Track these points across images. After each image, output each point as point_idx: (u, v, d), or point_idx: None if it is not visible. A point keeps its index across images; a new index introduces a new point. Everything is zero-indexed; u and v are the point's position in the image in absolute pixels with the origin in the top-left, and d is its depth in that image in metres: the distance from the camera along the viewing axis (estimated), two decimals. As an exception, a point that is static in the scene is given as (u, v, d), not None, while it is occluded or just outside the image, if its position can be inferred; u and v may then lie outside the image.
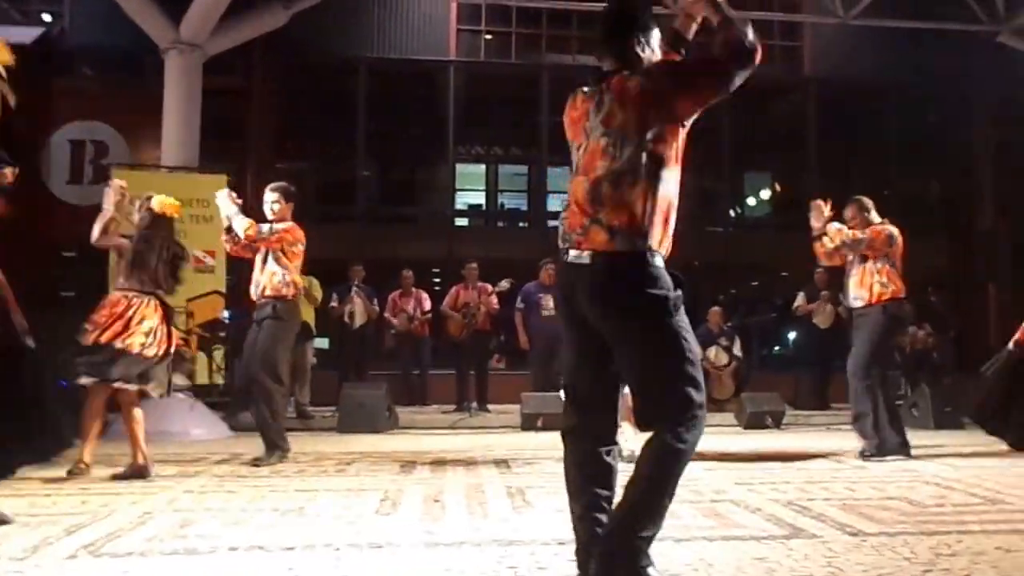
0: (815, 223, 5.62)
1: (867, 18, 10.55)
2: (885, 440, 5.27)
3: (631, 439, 5.71)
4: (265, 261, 5.55)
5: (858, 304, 5.50)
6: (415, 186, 18.74)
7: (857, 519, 3.32)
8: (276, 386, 5.47)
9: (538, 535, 3.07)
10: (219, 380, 7.85)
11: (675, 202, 2.42)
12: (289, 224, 5.60)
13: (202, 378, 7.64)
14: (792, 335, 13.32)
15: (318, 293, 8.49)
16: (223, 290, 8.24)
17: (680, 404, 2.27)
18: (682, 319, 2.32)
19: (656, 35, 2.53)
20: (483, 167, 19.37)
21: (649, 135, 2.32)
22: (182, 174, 8.51)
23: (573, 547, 2.87)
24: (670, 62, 2.52)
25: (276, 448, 5.37)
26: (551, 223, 16.61)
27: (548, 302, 9.00)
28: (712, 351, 9.82)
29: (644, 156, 2.32)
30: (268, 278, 5.50)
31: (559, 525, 3.26)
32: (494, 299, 9.22)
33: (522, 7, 12.54)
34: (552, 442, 6.48)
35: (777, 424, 7.79)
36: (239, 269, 8.81)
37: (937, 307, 11.20)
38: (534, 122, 14.68)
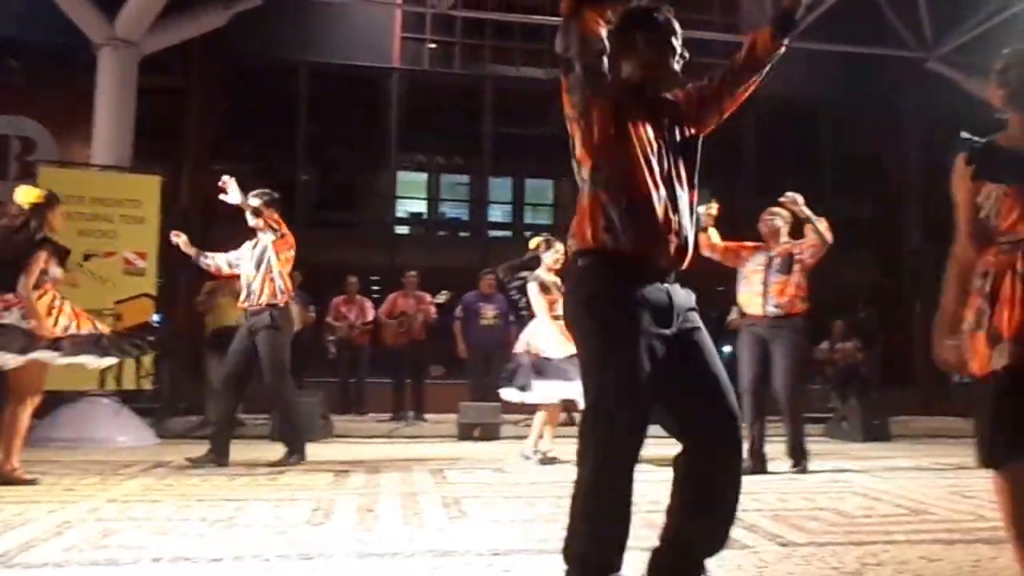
0: (708, 219, 5.70)
1: (803, 41, 10.82)
2: (764, 455, 5.35)
3: (547, 441, 5.77)
4: (258, 268, 5.61)
5: (776, 313, 5.45)
6: (356, 192, 18.57)
7: (787, 529, 3.37)
8: (294, 391, 5.80)
9: (473, 546, 3.04)
10: (147, 386, 7.61)
11: (618, 199, 2.23)
12: (285, 230, 5.72)
13: (129, 383, 7.40)
14: (726, 348, 13.53)
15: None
16: (153, 293, 8.00)
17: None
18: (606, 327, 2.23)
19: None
20: (424, 176, 19.30)
21: (571, 136, 2.33)
22: (113, 173, 8.24)
23: (508, 558, 2.85)
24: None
25: (297, 452, 5.61)
26: (492, 233, 16.66)
27: (487, 311, 9.01)
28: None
29: (574, 157, 2.36)
30: (265, 285, 5.58)
31: (494, 535, 3.24)
32: (432, 308, 9.17)
33: (466, 17, 12.54)
34: (489, 452, 6.48)
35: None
36: (171, 272, 8.60)
37: (865, 323, 11.53)
38: (477, 132, 14.69)
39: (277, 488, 4.51)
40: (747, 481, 4.88)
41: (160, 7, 8.83)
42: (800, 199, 5.59)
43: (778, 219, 5.77)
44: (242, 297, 5.75)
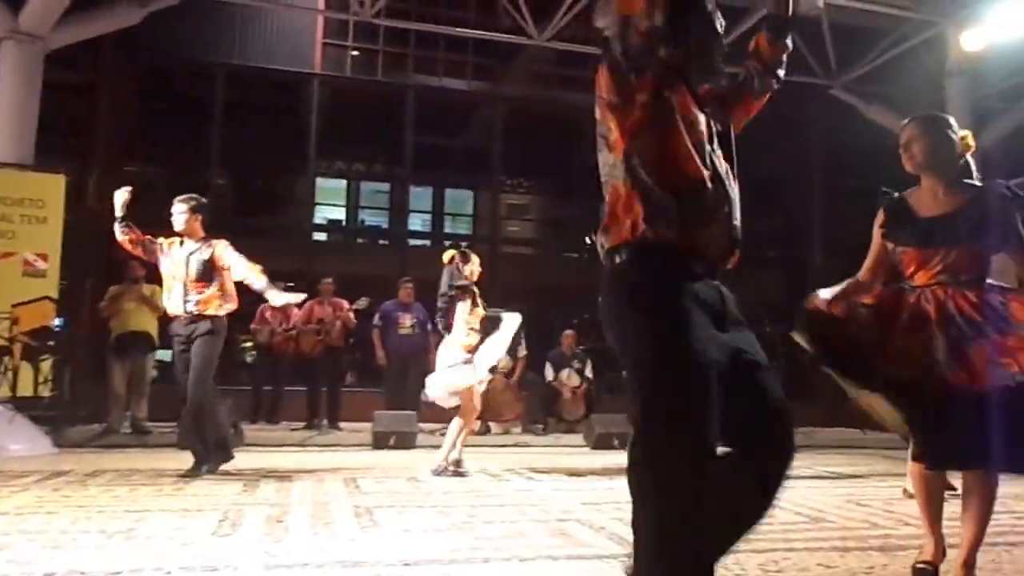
0: None
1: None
2: None
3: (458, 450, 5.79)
4: (202, 278, 5.41)
5: None
6: (272, 198, 18.25)
7: (694, 537, 3.46)
8: (216, 400, 5.56)
9: (384, 556, 3.02)
10: (45, 392, 7.30)
11: (650, 195, 2.02)
12: (216, 243, 5.54)
13: (26, 390, 7.08)
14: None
15: (161, 302, 8.05)
16: (55, 296, 7.69)
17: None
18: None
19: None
20: (344, 183, 19.12)
21: (599, 122, 2.16)
22: (13, 171, 7.90)
23: (419, 568, 2.85)
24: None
25: (214, 461, 5.43)
26: (412, 242, 16.59)
27: (405, 320, 8.97)
28: (565, 373, 10.04)
29: (601, 144, 2.19)
30: (210, 297, 5.40)
31: (406, 545, 3.22)
32: (351, 315, 9.07)
33: (390, 26, 12.50)
34: (403, 461, 6.45)
35: (624, 445, 8.04)
36: (76, 275, 8.29)
37: (772, 337, 11.90)
38: (398, 141, 14.62)
39: (182, 498, 4.38)
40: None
41: (68, 1, 8.53)
42: None
43: None
44: (175, 307, 5.42)
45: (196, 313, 5.36)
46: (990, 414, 2.40)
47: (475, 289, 5.86)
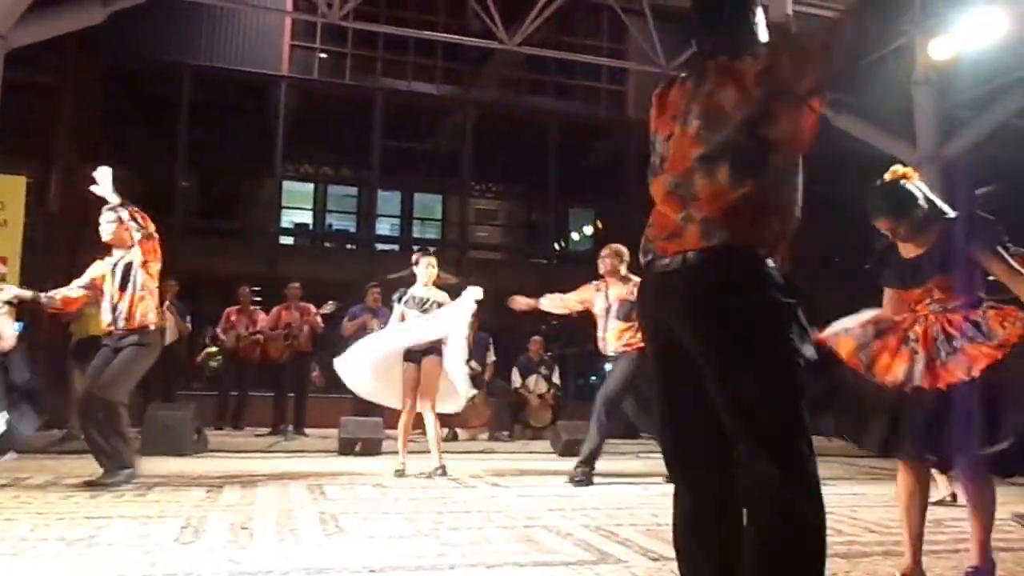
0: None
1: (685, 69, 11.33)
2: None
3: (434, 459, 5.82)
4: (125, 287, 5.01)
5: (612, 354, 5.82)
6: (238, 200, 18.10)
7: (659, 544, 3.48)
8: (124, 407, 5.04)
9: (349, 562, 3.00)
10: (4, 398, 7.14)
11: (794, 198, 2.00)
12: (151, 228, 5.05)
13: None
14: (608, 366, 13.81)
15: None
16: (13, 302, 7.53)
17: (793, 459, 1.82)
18: (797, 339, 1.89)
19: (761, 13, 2.16)
20: (311, 186, 19.01)
21: (756, 115, 1.93)
22: (-27, 172, 7.77)
23: (384, 575, 2.84)
24: (784, 35, 2.15)
25: (124, 467, 4.94)
26: (379, 246, 16.54)
27: (373, 325, 8.91)
28: (532, 379, 10.06)
29: (749, 139, 1.92)
30: (136, 307, 5.00)
31: (372, 552, 3.21)
32: (319, 319, 9.02)
33: (359, 29, 12.46)
34: (369, 467, 6.41)
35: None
36: (35, 278, 8.14)
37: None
38: (366, 144, 14.58)
39: (143, 505, 4.32)
40: (622, 496, 5.05)
41: (30, 0, 8.39)
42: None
43: (615, 258, 5.95)
44: (106, 319, 5.12)
45: (125, 329, 5.01)
46: (944, 409, 2.61)
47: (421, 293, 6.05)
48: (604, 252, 6.01)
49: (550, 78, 15.53)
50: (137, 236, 5.02)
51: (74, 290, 5.27)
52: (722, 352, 1.87)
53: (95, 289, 5.22)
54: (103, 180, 5.00)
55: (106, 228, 5.09)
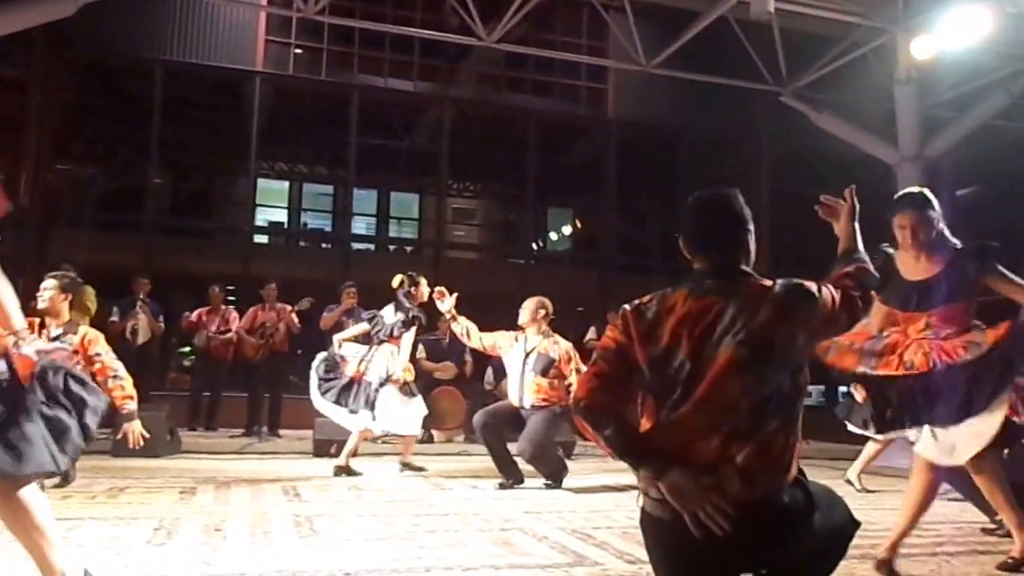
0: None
1: (666, 68, 11.29)
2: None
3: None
4: None
5: (527, 408, 5.66)
6: (212, 199, 17.91)
7: (635, 547, 3.47)
8: None
9: (324, 565, 2.97)
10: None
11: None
12: (85, 330, 4.62)
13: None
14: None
15: (92, 304, 7.79)
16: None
17: None
18: None
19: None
20: (286, 184, 18.86)
21: (798, 360, 1.98)
22: (-61, 167, 7.60)
23: (360, 576, 2.81)
24: (807, 287, 2.05)
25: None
26: (356, 245, 16.44)
27: (348, 325, 8.84)
28: (507, 381, 9.99)
29: (792, 384, 1.96)
30: None
31: (347, 554, 3.18)
32: (295, 317, 8.92)
33: (335, 24, 12.35)
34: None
35: (568, 454, 8.06)
36: (5, 274, 8.01)
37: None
38: (342, 142, 14.45)
39: (115, 507, 4.26)
40: (599, 499, 5.04)
41: (-4, -8, 8.24)
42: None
43: (538, 311, 5.83)
44: None
45: None
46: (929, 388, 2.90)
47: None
48: (527, 303, 5.87)
49: (529, 75, 15.47)
50: None
51: None
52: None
53: None
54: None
55: (43, 295, 4.63)
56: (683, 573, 1.95)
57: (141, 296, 8.74)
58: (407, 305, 6.14)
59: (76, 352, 4.57)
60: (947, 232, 3.06)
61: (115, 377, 4.48)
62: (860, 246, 2.29)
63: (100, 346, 4.59)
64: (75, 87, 13.55)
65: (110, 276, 9.06)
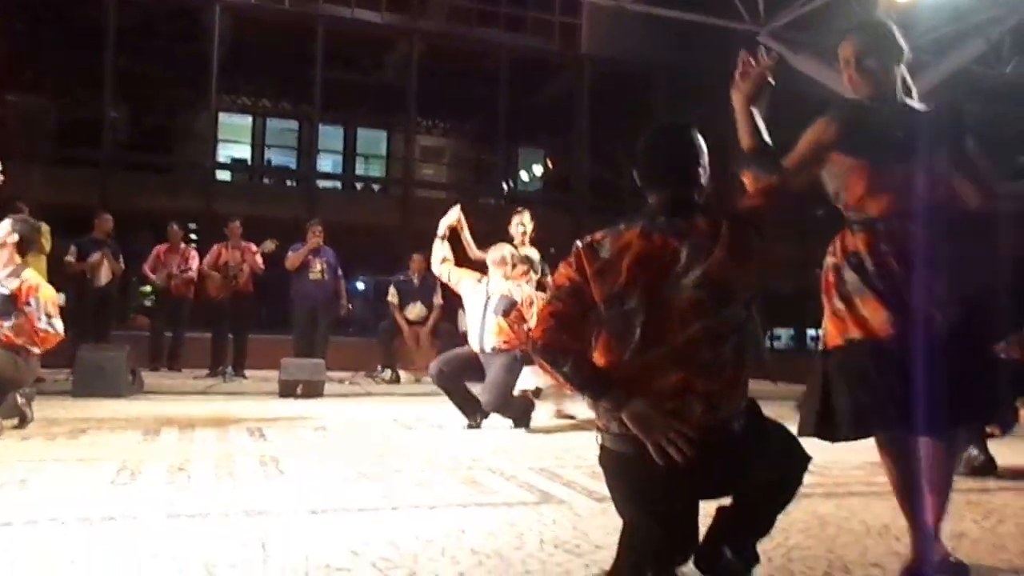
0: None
1: (642, 4, 11.09)
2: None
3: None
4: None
5: (488, 351, 5.53)
6: (171, 134, 17.49)
7: (602, 486, 3.47)
8: None
9: (289, 504, 2.95)
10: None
11: None
12: (28, 275, 4.68)
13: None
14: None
15: (47, 242, 7.58)
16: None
17: None
18: None
19: None
20: (249, 119, 18.45)
21: (753, 290, 2.02)
22: None
23: (326, 516, 2.80)
24: (755, 220, 2.07)
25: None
26: (321, 183, 16.20)
27: (315, 265, 8.74)
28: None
29: (746, 310, 1.99)
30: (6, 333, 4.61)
31: (312, 494, 3.16)
32: (259, 259, 8.77)
33: (299, -48, 11.95)
34: (311, 409, 6.34)
35: (536, 395, 8.10)
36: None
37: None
38: (307, 76, 14.09)
39: (77, 448, 4.20)
40: (569, 439, 5.07)
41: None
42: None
43: (508, 257, 5.74)
44: None
45: None
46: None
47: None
48: (495, 248, 5.75)
49: (500, 9, 15.15)
50: None
51: None
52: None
53: None
54: None
55: None
56: (645, 506, 1.97)
57: (102, 235, 8.50)
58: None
59: (15, 297, 4.62)
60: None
61: (36, 332, 4.68)
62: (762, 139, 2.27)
63: (37, 295, 4.67)
64: (23, 14, 12.98)
65: (65, 214, 8.84)
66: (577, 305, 2.03)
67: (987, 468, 4.06)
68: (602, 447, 2.04)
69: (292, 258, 8.64)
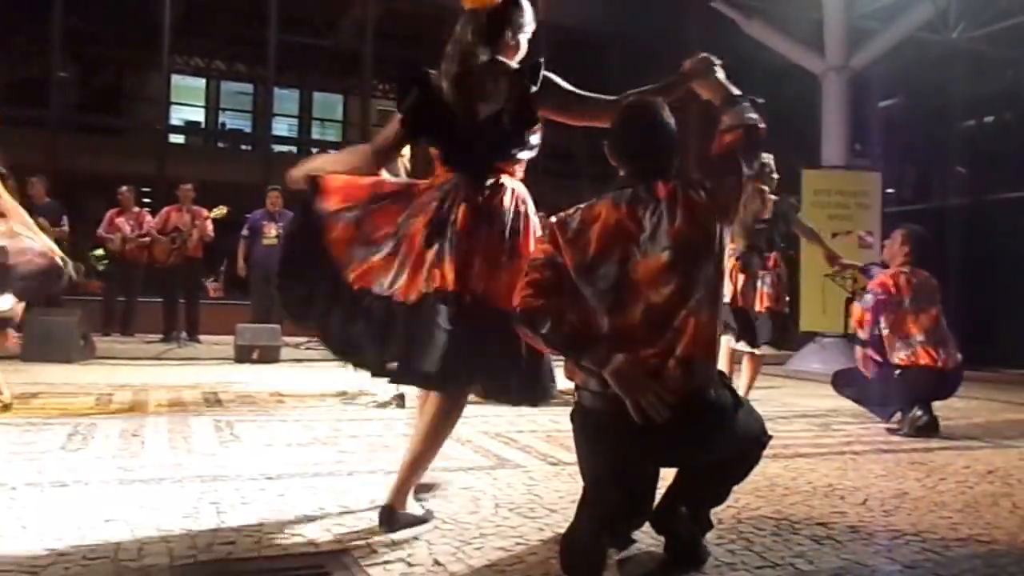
0: None
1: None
2: None
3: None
4: None
5: None
6: (122, 94, 17.03)
7: (558, 449, 3.57)
8: None
9: (244, 470, 2.97)
10: None
11: None
12: None
13: None
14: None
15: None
16: None
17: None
18: None
19: None
20: (203, 81, 18.04)
21: (721, 249, 2.07)
22: None
23: (281, 481, 2.82)
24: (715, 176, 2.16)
25: None
26: (277, 147, 15.92)
27: (271, 230, 8.65)
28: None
29: (715, 270, 2.05)
30: None
31: (267, 459, 3.18)
32: (209, 224, 8.62)
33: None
34: (267, 375, 6.31)
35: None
36: None
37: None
38: (262, 38, 13.77)
39: (28, 413, 4.14)
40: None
41: None
42: None
43: None
44: None
45: None
46: None
47: None
48: None
49: (460, -27, 14.97)
50: None
51: None
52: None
53: None
54: None
55: None
56: (615, 466, 2.01)
57: (38, 203, 8.20)
58: None
59: None
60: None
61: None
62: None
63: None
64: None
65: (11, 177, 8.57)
66: (553, 274, 2.07)
67: (930, 427, 4.23)
68: (577, 404, 2.08)
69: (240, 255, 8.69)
